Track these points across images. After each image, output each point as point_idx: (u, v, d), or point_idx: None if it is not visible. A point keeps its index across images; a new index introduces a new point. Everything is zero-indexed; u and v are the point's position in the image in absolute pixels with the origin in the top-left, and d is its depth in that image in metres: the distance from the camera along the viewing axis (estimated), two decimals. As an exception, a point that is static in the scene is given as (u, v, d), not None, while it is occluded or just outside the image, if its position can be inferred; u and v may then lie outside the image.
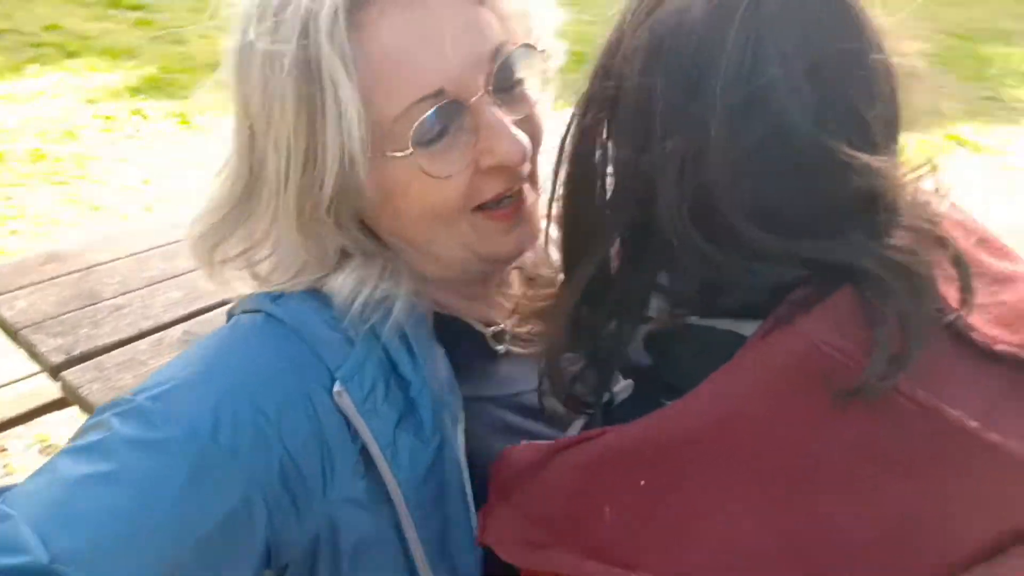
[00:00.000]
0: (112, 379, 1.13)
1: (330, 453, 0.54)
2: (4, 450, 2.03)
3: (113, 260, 1.42)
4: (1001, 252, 0.55)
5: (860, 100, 0.47)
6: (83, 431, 0.48)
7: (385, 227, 0.62)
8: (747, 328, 0.49)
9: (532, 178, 0.63)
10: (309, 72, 0.52)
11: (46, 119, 4.34)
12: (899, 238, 0.47)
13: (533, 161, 0.62)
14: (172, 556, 0.44)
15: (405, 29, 0.54)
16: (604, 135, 0.51)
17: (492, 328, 0.68)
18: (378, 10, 0.54)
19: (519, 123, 0.59)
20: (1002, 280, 0.52)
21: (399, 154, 0.55)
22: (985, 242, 0.55)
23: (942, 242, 0.49)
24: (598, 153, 0.51)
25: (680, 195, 0.46)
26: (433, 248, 0.62)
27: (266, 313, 0.58)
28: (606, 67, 0.51)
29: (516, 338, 0.66)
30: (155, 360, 1.19)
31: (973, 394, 0.46)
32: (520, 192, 0.62)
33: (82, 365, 1.15)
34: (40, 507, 0.42)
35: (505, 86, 0.59)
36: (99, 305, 1.29)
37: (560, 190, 0.53)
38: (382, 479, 0.54)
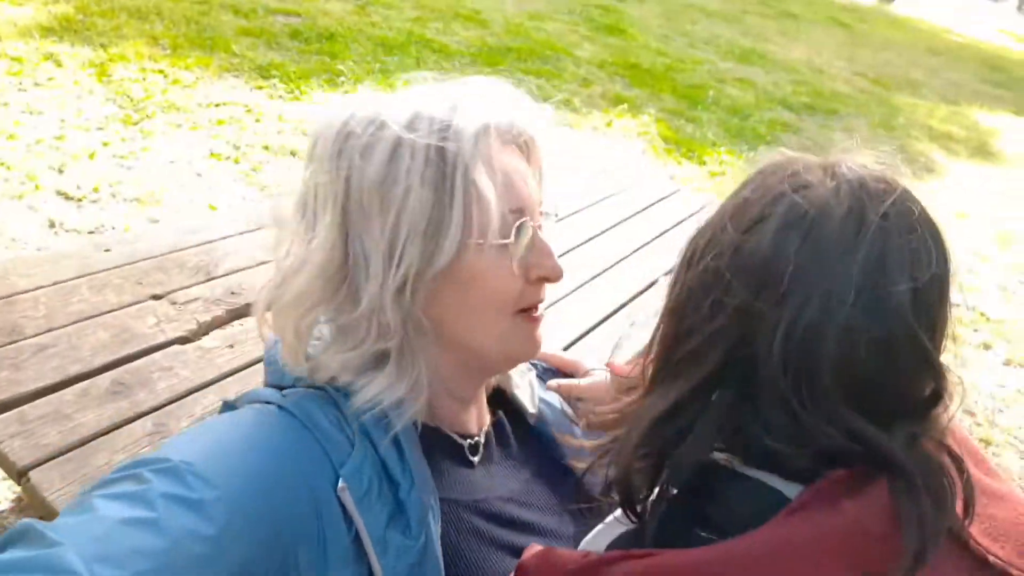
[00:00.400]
0: (35, 435, 1.08)
1: (325, 541, 0.60)
2: None
3: (36, 289, 1.35)
4: (988, 470, 0.64)
5: (940, 317, 0.57)
6: (114, 481, 0.52)
7: (435, 313, 0.70)
8: (791, 490, 0.57)
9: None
10: (445, 155, 0.66)
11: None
12: (931, 446, 0.56)
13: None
14: None
15: (509, 166, 0.71)
16: (727, 274, 0.57)
17: (468, 440, 0.79)
18: (494, 148, 0.70)
19: None
20: (991, 495, 0.60)
21: (498, 242, 0.68)
22: (974, 456, 0.63)
23: (957, 459, 0.57)
24: (716, 289, 0.58)
25: (787, 352, 0.54)
26: (474, 337, 0.73)
27: (279, 407, 0.65)
28: (735, 219, 0.59)
29: (487, 449, 0.80)
30: (81, 414, 1.14)
31: None
32: (542, 313, 0.78)
33: (2, 416, 1.10)
34: (85, 541, 0.46)
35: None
36: (22, 343, 1.23)
37: (673, 307, 0.62)
38: (371, 570, 0.61)
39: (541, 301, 0.77)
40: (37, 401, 1.14)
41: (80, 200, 3.18)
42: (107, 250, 1.51)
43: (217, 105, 4.32)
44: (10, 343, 1.22)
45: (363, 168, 0.66)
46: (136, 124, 3.90)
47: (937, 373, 0.56)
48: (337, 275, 0.68)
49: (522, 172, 0.73)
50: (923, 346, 0.54)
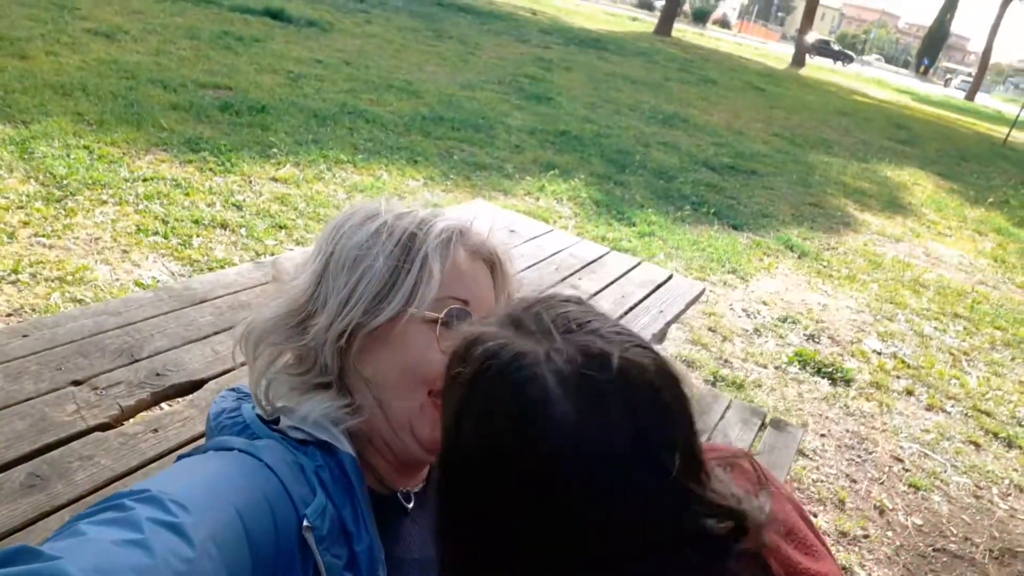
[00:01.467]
0: (-60, 536, 1.03)
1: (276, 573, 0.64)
2: None
3: (-53, 379, 1.30)
4: (805, 546, 0.66)
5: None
6: (96, 512, 0.55)
7: (368, 370, 0.78)
8: None
9: None
10: (414, 241, 0.78)
11: None
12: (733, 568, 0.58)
13: None
14: None
15: (468, 267, 0.81)
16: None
17: (403, 489, 0.85)
18: (459, 250, 0.81)
19: None
20: None
21: (430, 314, 0.76)
22: (792, 535, 0.66)
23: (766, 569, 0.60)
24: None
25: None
26: (391, 402, 0.78)
27: (247, 452, 0.70)
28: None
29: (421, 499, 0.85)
30: (-8, 511, 1.09)
31: None
32: None
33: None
34: (80, 557, 0.48)
35: None
36: (-75, 439, 1.17)
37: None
38: None
39: None
40: (-60, 502, 1.09)
41: (-2, 282, 3.07)
42: (25, 335, 1.47)
43: (145, 180, 4.27)
44: (-87, 439, 1.16)
45: (351, 237, 0.79)
46: (59, 201, 3.81)
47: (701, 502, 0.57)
48: (300, 309, 0.79)
49: (480, 280, 0.82)
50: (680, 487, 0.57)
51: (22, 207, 3.67)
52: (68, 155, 4.29)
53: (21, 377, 1.36)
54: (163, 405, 1.42)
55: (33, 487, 1.16)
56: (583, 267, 2.52)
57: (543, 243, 2.65)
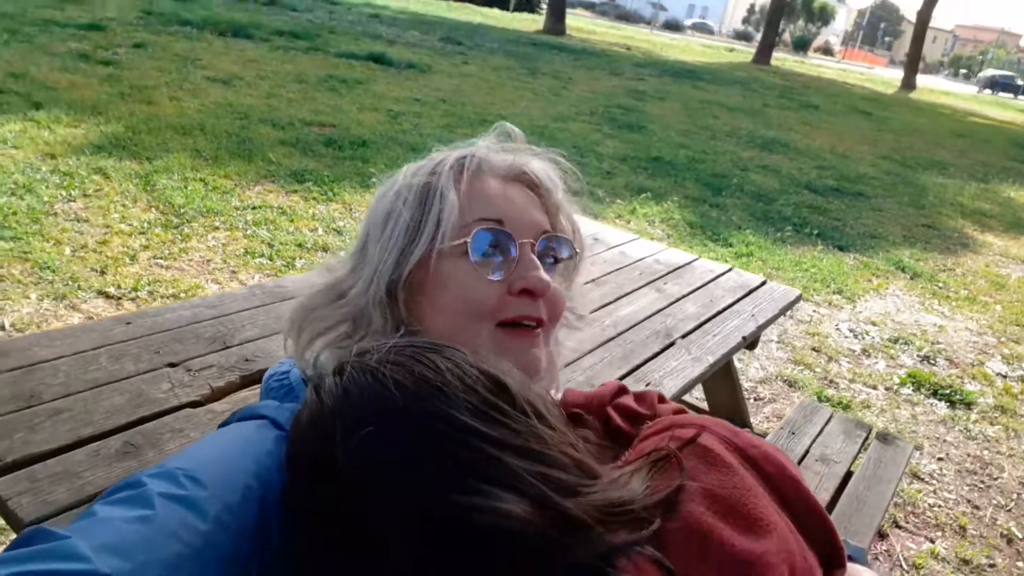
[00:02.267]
0: (44, 492, 1.10)
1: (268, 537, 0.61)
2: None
3: (57, 359, 1.40)
4: (750, 522, 0.59)
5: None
6: (114, 491, 0.56)
7: (427, 319, 0.76)
8: None
9: (547, 334, 0.79)
10: (430, 185, 0.77)
11: (3, 170, 4.28)
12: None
13: (551, 318, 0.78)
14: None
15: (497, 188, 0.78)
16: None
17: None
18: (486, 178, 0.79)
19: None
20: (737, 569, 0.56)
21: (456, 242, 0.74)
22: (735, 512, 0.60)
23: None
24: None
25: None
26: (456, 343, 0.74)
27: (265, 417, 0.69)
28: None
29: None
30: (91, 472, 1.16)
31: None
32: (537, 331, 0.77)
33: (14, 475, 1.12)
34: (91, 536, 0.49)
35: (544, 255, 0.79)
36: (37, 408, 1.26)
37: None
38: None
39: (529, 317, 0.76)
40: (48, 461, 1.16)
41: (120, 299, 3.31)
42: (128, 323, 1.57)
43: (253, 208, 4.53)
44: (27, 408, 1.25)
45: (378, 206, 0.80)
46: (176, 228, 4.09)
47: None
48: (342, 282, 0.80)
49: (515, 198, 0.78)
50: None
51: (143, 233, 3.96)
52: (186, 187, 4.61)
53: (122, 358, 1.45)
54: (251, 388, 1.48)
55: (127, 454, 1.22)
56: (669, 272, 2.47)
57: (627, 250, 2.62)
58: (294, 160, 5.49)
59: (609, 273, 2.38)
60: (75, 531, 0.49)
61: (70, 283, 3.32)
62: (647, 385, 1.75)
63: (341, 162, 5.69)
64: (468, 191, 0.76)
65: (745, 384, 3.45)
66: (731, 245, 5.34)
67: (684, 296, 2.29)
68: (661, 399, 1.07)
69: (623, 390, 1.09)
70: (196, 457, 0.61)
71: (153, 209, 4.25)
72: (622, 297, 2.22)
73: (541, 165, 0.83)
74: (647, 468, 0.61)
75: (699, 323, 2.12)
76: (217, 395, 1.44)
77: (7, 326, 2.93)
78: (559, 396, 1.07)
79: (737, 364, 3.62)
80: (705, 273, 2.51)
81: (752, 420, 2.57)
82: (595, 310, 2.09)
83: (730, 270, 2.57)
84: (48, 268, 3.39)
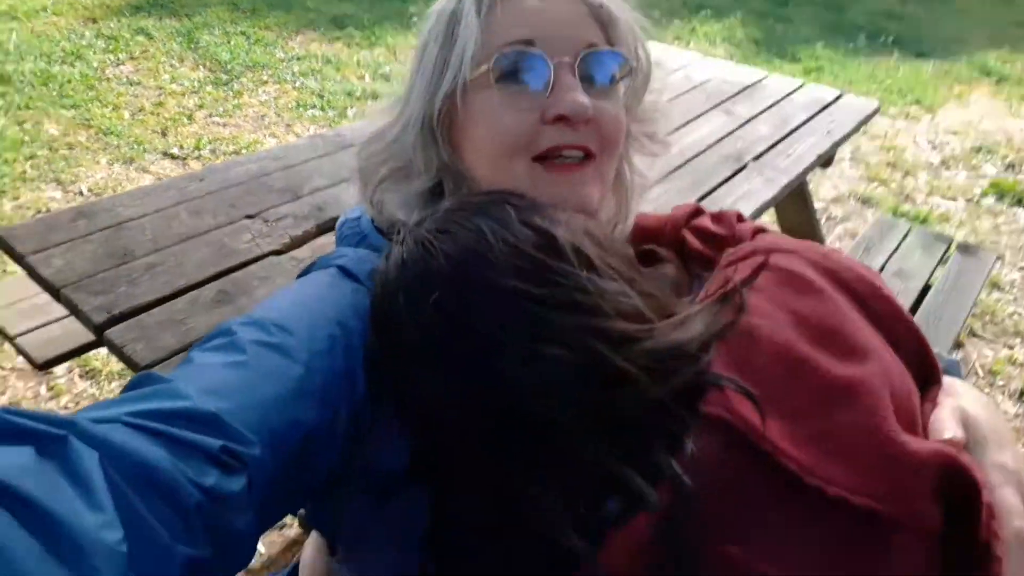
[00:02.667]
0: (155, 338, 1.17)
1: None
2: (50, 372, 2.12)
3: (141, 216, 1.44)
4: (846, 349, 0.56)
5: None
6: (207, 339, 0.56)
7: (468, 159, 0.71)
8: None
9: (602, 166, 0.70)
10: (456, 12, 0.68)
11: (47, 38, 4.25)
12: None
13: (605, 147, 0.69)
14: (296, 420, 0.54)
15: (530, 3, 0.68)
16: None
17: None
18: None
19: (595, 107, 0.67)
20: (837, 396, 0.53)
21: (479, 71, 0.66)
22: (830, 337, 0.57)
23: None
24: None
25: None
26: (499, 185, 0.69)
27: (342, 269, 0.67)
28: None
29: None
30: (192, 319, 1.23)
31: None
32: (581, 163, 0.69)
33: (125, 324, 1.20)
34: (192, 380, 0.50)
35: (588, 74, 0.68)
36: (133, 263, 1.32)
37: None
38: None
39: (569, 147, 0.68)
40: (153, 310, 1.23)
41: (184, 159, 3.37)
42: (201, 179, 1.60)
43: (298, 59, 4.43)
44: (123, 264, 1.31)
45: (418, 39, 0.73)
46: (226, 84, 4.06)
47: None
48: (391, 127, 0.74)
49: (550, 11, 0.68)
50: None
51: (195, 92, 3.94)
52: (228, 41, 4.51)
53: (201, 213, 1.49)
54: (326, 236, 1.51)
55: (221, 302, 1.28)
56: (738, 92, 2.34)
57: (691, 73, 2.48)
58: (332, 5, 5.27)
59: (674, 98, 2.28)
60: (177, 376, 0.51)
61: (135, 146, 3.38)
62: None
63: (379, 4, 5.44)
64: (494, 12, 0.68)
65: (817, 204, 3.36)
66: (799, 61, 5.00)
67: (755, 116, 2.18)
68: (740, 218, 1.03)
69: (699, 211, 1.05)
70: (281, 307, 0.61)
71: (201, 67, 4.20)
72: (689, 122, 2.13)
73: None
74: (715, 305, 0.59)
75: (771, 144, 2.03)
76: (296, 243, 1.48)
77: (85, 191, 3.03)
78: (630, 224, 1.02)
79: (809, 184, 3.52)
80: (776, 91, 2.37)
81: (825, 241, 2.52)
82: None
83: (802, 86, 2.42)
84: (112, 133, 3.44)
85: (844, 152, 3.81)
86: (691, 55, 2.64)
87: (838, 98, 2.33)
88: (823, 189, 3.47)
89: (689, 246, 0.98)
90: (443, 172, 0.73)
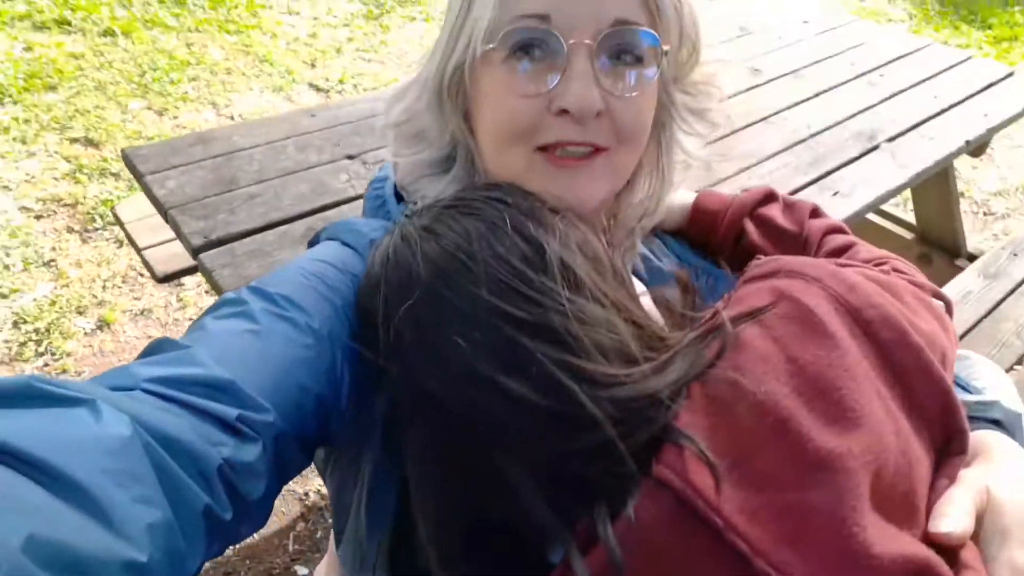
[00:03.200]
0: (241, 266, 1.27)
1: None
2: (181, 284, 2.34)
3: (253, 147, 1.54)
4: (836, 412, 0.50)
5: None
6: (219, 307, 0.57)
7: (478, 135, 0.67)
8: None
9: (614, 158, 0.65)
10: None
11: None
12: None
13: (622, 139, 0.64)
14: (304, 385, 0.55)
15: None
16: None
17: None
18: None
19: (614, 99, 0.62)
20: (811, 468, 0.47)
21: (488, 47, 0.61)
22: (826, 394, 0.50)
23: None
24: None
25: None
26: (500, 170, 0.66)
27: (348, 245, 0.66)
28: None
29: None
30: (279, 252, 1.31)
31: None
32: (588, 156, 0.64)
33: (218, 250, 1.29)
34: (206, 347, 0.51)
35: (613, 54, 0.62)
36: (236, 192, 1.42)
37: None
38: None
39: (565, 142, 0.63)
40: (244, 240, 1.32)
41: (328, 92, 3.52)
42: (313, 115, 1.67)
43: (449, -4, 4.46)
44: (227, 191, 1.42)
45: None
46: (376, 19, 4.18)
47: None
48: (411, 82, 0.71)
49: None
50: None
51: (347, 25, 4.09)
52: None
53: (307, 149, 1.57)
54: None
55: (307, 238, 1.35)
56: (889, 62, 2.12)
57: (839, 36, 2.27)
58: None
59: (812, 64, 2.10)
60: (193, 342, 0.52)
61: (285, 76, 3.57)
62: (834, 195, 1.59)
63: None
64: None
65: (977, 196, 3.03)
66: (990, 27, 4.44)
67: (901, 91, 1.98)
68: (814, 212, 0.94)
69: (771, 196, 0.96)
70: (289, 281, 0.61)
71: (356, 1, 4.34)
72: (823, 92, 1.97)
73: None
74: (701, 341, 0.55)
75: (913, 124, 1.84)
76: (389, 187, 1.52)
77: (236, 116, 3.26)
78: (677, 206, 0.91)
79: (969, 172, 3.16)
80: (935, 63, 2.13)
81: (975, 238, 2.27)
82: (786, 108, 1.88)
83: (967, 59, 2.15)
84: (266, 61, 3.65)
85: (1021, 138, 3.38)
86: (845, 17, 2.41)
87: (1007, 76, 2.06)
88: (986, 180, 3.11)
89: (748, 239, 0.91)
90: (454, 142, 0.70)
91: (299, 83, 3.56)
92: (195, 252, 1.29)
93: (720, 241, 0.92)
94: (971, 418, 0.68)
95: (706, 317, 0.59)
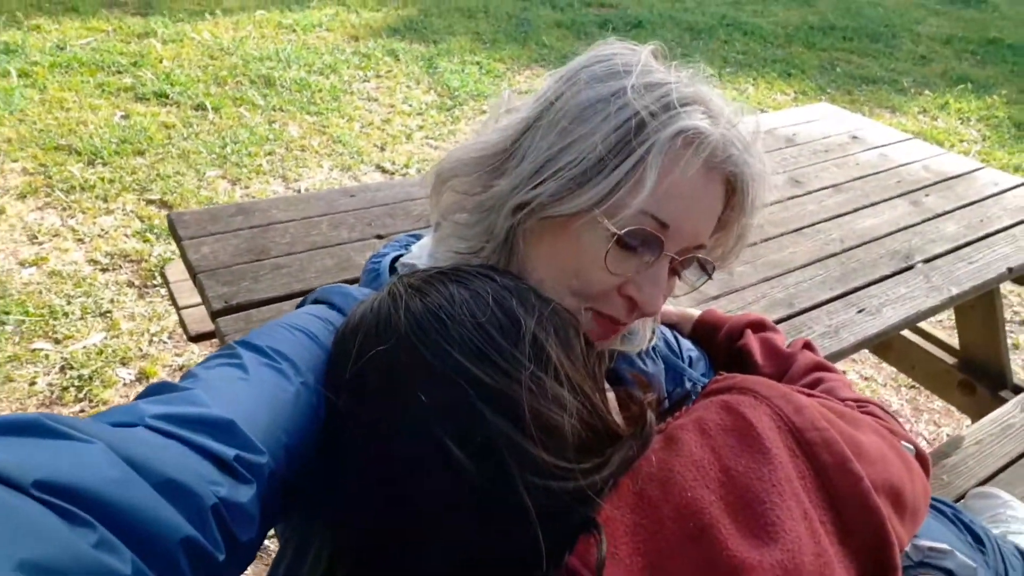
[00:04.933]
0: (254, 332, 1.32)
1: None
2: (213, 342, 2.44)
3: (289, 221, 1.63)
4: (758, 526, 0.51)
5: None
6: (211, 359, 0.60)
7: (533, 258, 0.71)
8: None
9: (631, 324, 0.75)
10: (644, 133, 0.64)
11: (314, 50, 4.88)
12: None
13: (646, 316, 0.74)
14: (289, 430, 0.57)
15: (691, 185, 0.66)
16: None
17: None
18: (692, 162, 0.65)
19: None
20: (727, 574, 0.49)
21: (609, 223, 0.65)
22: (750, 507, 0.52)
23: None
24: None
25: None
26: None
27: (335, 307, 0.69)
28: None
29: None
30: (292, 322, 1.36)
31: None
32: (621, 326, 0.73)
33: (235, 315, 1.35)
34: (206, 391, 0.53)
35: (678, 270, 0.73)
36: (264, 261, 1.49)
37: None
38: None
39: (619, 320, 0.71)
40: (263, 307, 1.38)
41: (393, 174, 3.69)
42: (352, 196, 1.76)
43: (521, 93, 4.66)
44: (256, 260, 1.49)
45: (577, 95, 0.67)
46: (448, 110, 4.39)
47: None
48: (495, 157, 0.72)
49: (700, 204, 0.68)
50: None
51: (420, 113, 4.31)
52: (463, 70, 4.87)
53: (340, 227, 1.64)
54: (442, 266, 1.59)
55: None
56: (937, 182, 2.09)
57: (891, 152, 2.26)
58: (567, 43, 5.48)
59: (858, 179, 2.09)
60: (191, 386, 0.55)
61: (355, 156, 3.77)
62: (859, 312, 1.55)
63: (614, 45, 5.56)
64: (667, 179, 0.65)
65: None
66: (1072, 153, 4.32)
67: (946, 213, 1.94)
68: (808, 345, 0.96)
69: (760, 324, 1.00)
70: (278, 337, 0.64)
71: (432, 91, 4.58)
72: (864, 208, 1.95)
73: (758, 172, 0.70)
74: (635, 442, 0.57)
75: (955, 246, 1.79)
76: (411, 268, 1.57)
77: (302, 189, 3.44)
78: (687, 317, 1.02)
79: (1018, 298, 3.03)
80: (986, 186, 2.08)
81: (1010, 367, 2.16)
82: (822, 221, 1.87)
83: (1020, 185, 2.10)
84: (340, 142, 3.87)
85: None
86: (895, 134, 2.40)
87: (1063, 205, 2.00)
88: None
89: (752, 357, 0.93)
90: (491, 248, 0.73)
91: (367, 163, 3.74)
92: (214, 316, 1.35)
93: (717, 345, 1.01)
94: (922, 563, 0.67)
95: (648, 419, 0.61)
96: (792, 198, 1.97)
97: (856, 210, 1.94)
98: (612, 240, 0.66)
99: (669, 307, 1.04)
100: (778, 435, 0.58)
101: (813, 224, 1.86)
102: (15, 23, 4.50)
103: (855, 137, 2.33)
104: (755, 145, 0.70)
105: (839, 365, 2.48)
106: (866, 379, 2.67)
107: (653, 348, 0.92)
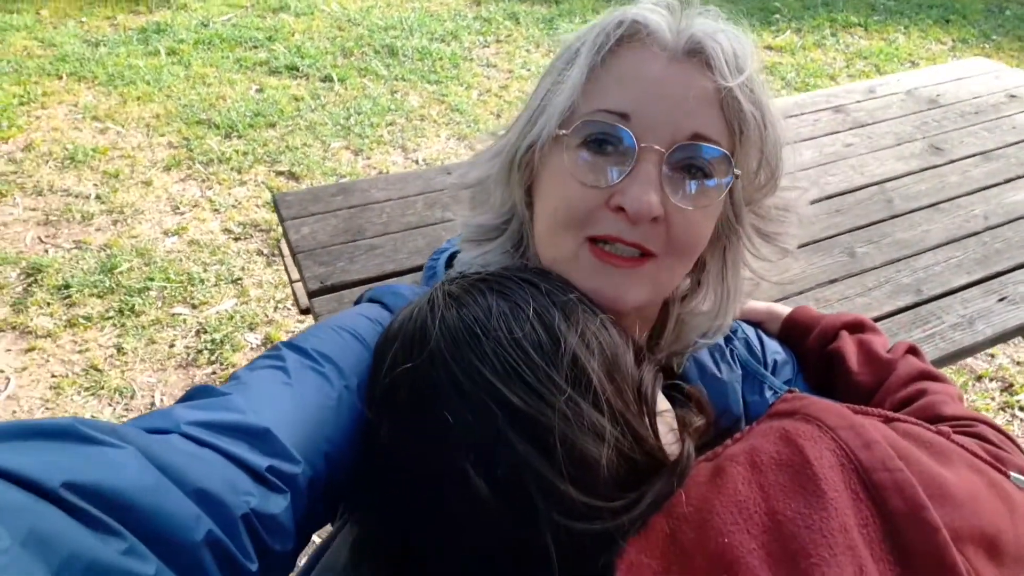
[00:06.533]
0: (346, 313, 1.36)
1: None
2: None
3: (386, 200, 1.65)
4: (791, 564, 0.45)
5: None
6: (260, 359, 0.61)
7: (535, 213, 0.69)
8: None
9: (663, 266, 0.65)
10: (570, 57, 0.65)
11: (436, 17, 4.91)
12: None
13: (672, 251, 0.65)
14: (330, 437, 0.57)
15: (645, 70, 0.62)
16: None
17: None
18: (635, 49, 0.64)
19: (672, 208, 0.63)
20: None
21: (563, 132, 0.63)
22: (793, 560, 0.46)
23: None
24: None
25: None
26: (546, 251, 0.68)
27: (387, 307, 0.70)
28: None
29: None
30: (382, 303, 1.38)
31: None
32: (637, 257, 0.64)
33: (329, 296, 1.39)
34: (245, 396, 0.54)
35: (682, 165, 0.63)
36: (359, 242, 1.52)
37: None
38: None
39: (616, 237, 0.63)
40: (355, 288, 1.41)
41: (509, 140, 3.67)
42: (448, 173, 1.75)
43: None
44: (352, 241, 1.52)
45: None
46: (568, 72, 4.29)
47: None
48: (492, 150, 0.75)
49: (663, 84, 0.62)
50: None
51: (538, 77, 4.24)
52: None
53: (434, 206, 1.65)
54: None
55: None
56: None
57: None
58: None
59: (1011, 145, 1.85)
60: (231, 390, 0.56)
61: (472, 124, 3.78)
62: (1000, 300, 1.37)
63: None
64: (609, 65, 0.62)
65: None
66: None
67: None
68: (913, 350, 0.85)
69: (860, 325, 0.89)
70: (326, 338, 0.64)
71: (551, 55, 4.49)
72: (1016, 179, 1.72)
73: (726, 39, 0.63)
74: (670, 479, 0.52)
75: None
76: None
77: (421, 160, 3.50)
78: (738, 324, 0.90)
79: None
80: None
81: None
82: (963, 195, 1.66)
83: None
84: (457, 110, 3.89)
85: None
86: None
87: None
88: None
89: (845, 363, 0.84)
90: (512, 213, 0.73)
91: (483, 132, 3.74)
92: (310, 295, 1.40)
93: (808, 347, 0.91)
94: None
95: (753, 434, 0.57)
96: (929, 168, 1.77)
97: (1007, 181, 1.72)
98: (575, 143, 0.63)
99: (755, 303, 0.95)
100: (840, 475, 0.51)
101: (953, 198, 1.66)
102: (166, 3, 4.83)
103: (1013, 96, 2.06)
104: (717, 22, 0.65)
105: (973, 361, 2.24)
106: (1019, 364, 2.40)
107: (731, 351, 0.85)
